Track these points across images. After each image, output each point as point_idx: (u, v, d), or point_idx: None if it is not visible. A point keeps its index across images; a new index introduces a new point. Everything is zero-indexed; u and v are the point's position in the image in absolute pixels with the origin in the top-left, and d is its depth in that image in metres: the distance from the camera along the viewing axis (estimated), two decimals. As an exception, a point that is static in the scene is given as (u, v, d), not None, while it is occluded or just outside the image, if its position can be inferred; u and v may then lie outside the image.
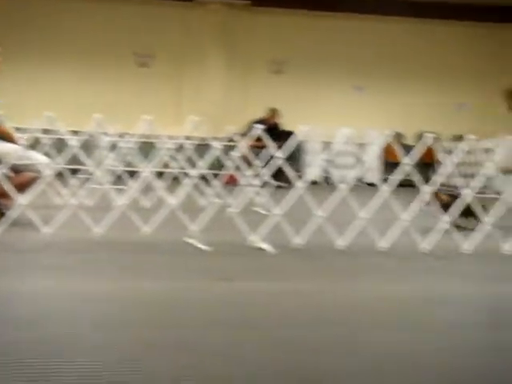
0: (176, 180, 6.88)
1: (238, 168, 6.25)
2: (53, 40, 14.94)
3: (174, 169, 6.72)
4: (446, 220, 4.84)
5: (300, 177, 5.13)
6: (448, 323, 2.75)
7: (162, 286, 3.31)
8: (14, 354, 2.08)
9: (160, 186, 5.79)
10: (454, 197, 5.44)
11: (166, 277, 3.61)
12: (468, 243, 4.78)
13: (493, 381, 2.04)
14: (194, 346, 2.26)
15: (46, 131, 5.64)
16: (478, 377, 2.07)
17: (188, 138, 6.44)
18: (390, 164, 14.77)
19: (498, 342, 2.50)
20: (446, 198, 5.88)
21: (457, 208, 5.05)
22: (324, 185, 13.98)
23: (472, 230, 5.23)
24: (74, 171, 6.35)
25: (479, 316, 3.01)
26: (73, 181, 6.80)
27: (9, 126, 5.82)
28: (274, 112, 13.19)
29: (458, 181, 5.20)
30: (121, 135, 5.80)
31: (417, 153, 4.88)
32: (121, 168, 6.32)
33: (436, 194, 5.79)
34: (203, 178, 6.72)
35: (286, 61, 15.80)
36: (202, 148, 7.22)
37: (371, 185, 12.50)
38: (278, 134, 12.53)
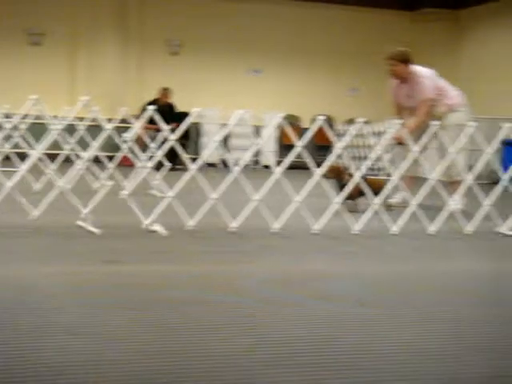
0: (68, 162, 6.71)
1: (131, 150, 6.16)
2: None
3: (65, 150, 6.56)
4: (337, 201, 4.94)
5: (195, 159, 5.11)
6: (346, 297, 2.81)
7: (48, 270, 3.22)
8: None
9: (51, 168, 5.64)
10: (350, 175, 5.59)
11: (53, 260, 3.52)
12: (358, 224, 4.91)
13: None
14: (79, 330, 2.22)
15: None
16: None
17: (81, 119, 6.30)
18: (285, 146, 14.98)
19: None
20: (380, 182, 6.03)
21: (348, 189, 5.17)
22: (221, 167, 14.02)
23: (363, 211, 5.37)
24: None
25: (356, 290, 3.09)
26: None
27: None
28: (165, 91, 13.05)
29: (349, 163, 5.32)
30: (8, 116, 5.59)
31: (309, 135, 4.95)
32: (9, 150, 6.11)
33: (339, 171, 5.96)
34: (96, 160, 6.59)
35: (182, 42, 15.66)
36: (97, 129, 7.09)
37: (267, 167, 12.62)
38: (174, 116, 12.46)
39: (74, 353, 2.00)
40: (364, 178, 5.42)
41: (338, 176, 6.02)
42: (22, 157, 6.02)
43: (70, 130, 6.54)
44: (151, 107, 4.62)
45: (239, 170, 4.75)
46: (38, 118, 6.13)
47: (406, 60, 6.77)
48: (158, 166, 6.36)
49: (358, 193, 5.68)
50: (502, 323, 2.60)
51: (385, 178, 6.42)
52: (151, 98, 12.84)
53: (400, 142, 6.29)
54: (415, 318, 2.58)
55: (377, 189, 5.43)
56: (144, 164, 5.22)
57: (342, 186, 5.60)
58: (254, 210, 4.77)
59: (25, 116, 4.97)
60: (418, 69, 6.84)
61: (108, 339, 2.15)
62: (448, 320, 2.59)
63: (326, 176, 5.42)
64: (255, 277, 3.30)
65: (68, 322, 2.32)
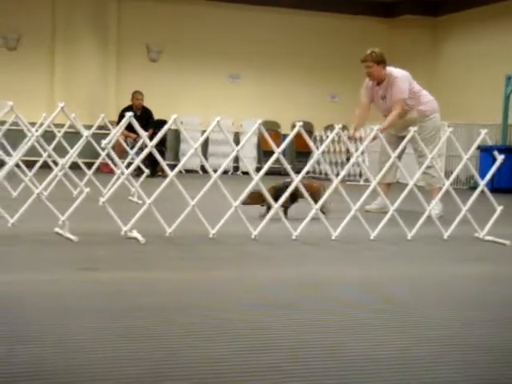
0: (46, 169, 6.66)
1: (110, 156, 6.13)
2: None
3: (42, 157, 6.52)
4: (315, 207, 4.95)
5: (174, 166, 5.10)
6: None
7: (22, 278, 3.20)
8: None
9: (28, 175, 5.60)
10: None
11: (28, 268, 3.49)
12: (336, 230, 4.92)
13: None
14: (50, 338, 2.20)
15: None
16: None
17: (59, 125, 6.26)
18: (264, 152, 15.01)
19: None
20: (317, 186, 6.00)
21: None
22: (200, 173, 14.01)
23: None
24: None
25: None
26: None
27: None
28: (137, 95, 12.77)
29: (327, 168, 5.33)
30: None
31: (287, 141, 4.96)
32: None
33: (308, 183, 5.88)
34: (75, 166, 6.56)
35: (161, 49, 15.62)
36: (75, 136, 7.06)
37: (247, 173, 12.63)
38: (149, 121, 12.38)
39: (45, 361, 1.99)
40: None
41: (258, 202, 5.69)
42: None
43: (49, 136, 6.50)
44: (129, 113, 4.60)
45: (217, 176, 4.74)
46: (14, 124, 6.09)
47: (381, 61, 6.81)
48: (138, 173, 6.34)
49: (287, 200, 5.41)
50: (484, 324, 2.62)
51: (322, 181, 6.34)
52: (127, 103, 12.79)
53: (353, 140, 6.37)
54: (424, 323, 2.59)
55: (313, 193, 5.43)
56: (122, 170, 5.20)
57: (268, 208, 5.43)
58: (233, 216, 4.76)
59: (1, 122, 4.93)
60: (394, 70, 6.88)
61: (82, 347, 2.14)
62: (445, 324, 2.60)
63: (245, 203, 5.32)
64: (235, 283, 3.30)
65: (40, 331, 2.30)
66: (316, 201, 5.08)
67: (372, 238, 4.95)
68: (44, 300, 2.78)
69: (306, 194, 4.92)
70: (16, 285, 3.05)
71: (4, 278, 3.18)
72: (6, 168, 4.80)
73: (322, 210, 5.35)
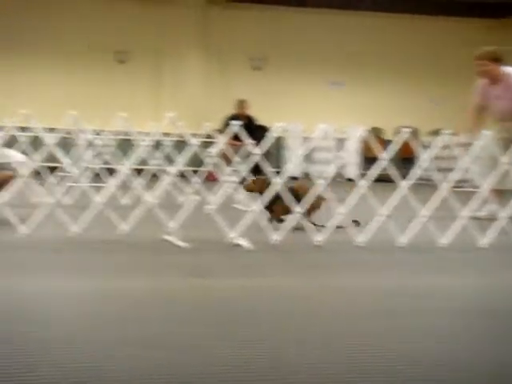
0: (155, 177, 6.85)
1: (216, 165, 6.24)
2: (28, 38, 14.83)
3: (152, 166, 6.70)
4: (424, 214, 4.86)
5: (278, 173, 5.14)
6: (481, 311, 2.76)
7: (137, 284, 3.30)
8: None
9: (138, 183, 5.77)
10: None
11: (142, 274, 3.60)
12: (445, 237, 4.81)
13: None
14: (160, 344, 2.26)
15: (22, 129, 5.60)
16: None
17: (166, 134, 6.42)
18: (368, 159, 14.86)
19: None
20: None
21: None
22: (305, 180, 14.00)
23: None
24: (52, 169, 6.30)
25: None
26: (50, 179, 6.75)
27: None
28: (242, 103, 12.95)
29: (436, 175, 5.23)
30: (98, 132, 5.77)
31: (394, 148, 4.90)
32: (99, 166, 6.29)
33: None
34: (182, 175, 6.71)
35: (264, 57, 15.78)
36: (182, 145, 7.23)
37: (350, 180, 12.54)
38: (253, 129, 12.51)
39: (153, 365, 2.04)
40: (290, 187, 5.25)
41: (262, 189, 5.46)
42: (111, 172, 6.19)
43: (156, 145, 6.68)
44: (236, 122, 4.67)
45: (324, 183, 4.74)
46: (124, 134, 6.29)
47: (497, 59, 6.56)
48: (243, 180, 6.42)
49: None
50: None
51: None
52: (230, 112, 12.97)
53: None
54: None
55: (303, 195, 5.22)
56: (228, 178, 5.28)
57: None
58: (339, 223, 4.75)
59: (116, 133, 5.12)
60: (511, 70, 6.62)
61: (193, 353, 2.18)
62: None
63: (249, 190, 5.37)
64: (344, 291, 3.28)
65: (148, 335, 2.36)
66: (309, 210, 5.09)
67: (481, 245, 4.82)
68: (155, 306, 2.86)
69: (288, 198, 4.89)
70: (130, 290, 3.15)
71: (118, 284, 3.28)
72: (119, 175, 4.96)
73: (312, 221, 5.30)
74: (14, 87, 14.56)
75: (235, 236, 4.61)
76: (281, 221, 5.32)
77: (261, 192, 5.38)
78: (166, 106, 14.42)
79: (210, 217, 4.69)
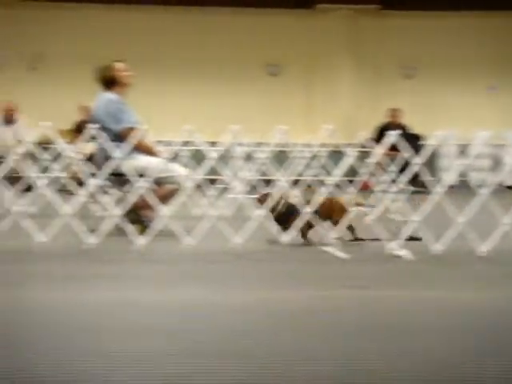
0: (309, 188, 6.89)
1: (372, 174, 6.20)
2: (187, 54, 15.42)
3: (308, 177, 6.76)
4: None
5: (437, 182, 5.03)
6: None
7: (295, 295, 3.33)
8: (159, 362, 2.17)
9: (295, 194, 5.83)
10: None
11: (300, 286, 3.63)
12: None
13: None
14: (319, 354, 2.27)
15: (185, 143, 5.83)
16: None
17: (322, 145, 6.45)
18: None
19: None
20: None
21: None
22: (461, 189, 13.58)
23: None
24: (212, 182, 6.52)
25: None
26: (211, 191, 6.95)
27: (150, 140, 6.07)
28: (395, 112, 12.80)
29: None
30: (256, 145, 5.91)
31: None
32: (256, 177, 6.44)
33: None
34: (337, 185, 6.71)
35: (416, 65, 15.49)
36: (335, 155, 7.25)
37: (510, 188, 12.04)
38: (407, 138, 12.28)
39: (311, 377, 2.05)
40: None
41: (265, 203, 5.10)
42: (267, 183, 6.31)
43: (311, 156, 6.73)
44: (393, 132, 4.63)
45: (486, 192, 4.59)
46: (281, 146, 6.38)
47: None
48: (399, 190, 6.33)
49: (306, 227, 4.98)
50: None
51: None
52: (382, 121, 12.82)
53: None
54: None
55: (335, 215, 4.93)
56: (385, 188, 5.23)
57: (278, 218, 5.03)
58: (504, 233, 4.57)
59: (274, 145, 5.23)
60: None
61: (348, 366, 2.18)
62: None
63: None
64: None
65: (303, 347, 2.38)
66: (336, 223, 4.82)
67: None
68: (312, 317, 2.88)
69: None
70: (287, 301, 3.19)
71: (275, 294, 3.34)
72: (277, 188, 5.04)
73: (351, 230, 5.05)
74: (176, 102, 15.18)
75: (394, 246, 4.56)
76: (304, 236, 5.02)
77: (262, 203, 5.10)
78: (317, 118, 14.51)
79: (370, 227, 4.67)
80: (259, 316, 2.87)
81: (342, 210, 4.95)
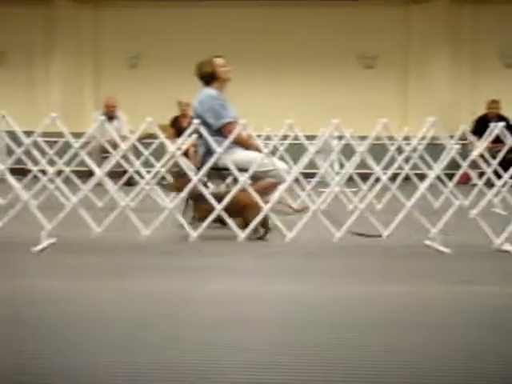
0: (407, 181, 6.79)
1: (474, 167, 6.04)
2: (283, 49, 15.46)
3: (404, 170, 6.66)
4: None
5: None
6: None
7: (396, 289, 3.30)
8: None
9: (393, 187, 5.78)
10: None
11: (401, 280, 3.59)
12: None
13: None
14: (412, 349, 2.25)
15: (284, 137, 5.86)
16: None
17: (422, 138, 6.35)
18: None
19: None
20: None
21: None
22: None
23: None
24: (310, 175, 6.50)
25: None
26: (309, 185, 6.89)
27: (249, 134, 6.13)
28: (494, 104, 12.44)
29: None
30: (355, 138, 5.87)
31: None
32: (353, 171, 6.40)
33: None
34: (437, 178, 6.59)
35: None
36: (431, 148, 7.16)
37: None
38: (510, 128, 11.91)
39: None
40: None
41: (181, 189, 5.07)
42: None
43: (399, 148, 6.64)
44: (498, 124, 4.52)
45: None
46: (379, 139, 6.32)
47: None
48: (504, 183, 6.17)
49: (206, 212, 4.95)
50: None
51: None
52: (481, 113, 12.51)
53: None
54: None
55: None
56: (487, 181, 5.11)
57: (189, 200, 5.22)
58: None
59: (374, 138, 5.18)
60: None
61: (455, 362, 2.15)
62: None
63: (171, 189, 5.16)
64: None
65: (394, 342, 2.36)
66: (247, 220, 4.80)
67: None
68: (412, 312, 2.85)
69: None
70: (388, 295, 3.17)
71: (369, 289, 3.32)
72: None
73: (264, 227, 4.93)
74: (274, 97, 15.26)
75: (500, 241, 4.45)
76: (202, 221, 4.96)
77: (180, 191, 5.08)
78: (414, 110, 14.30)
79: (471, 221, 4.58)
80: (371, 309, 2.87)
81: (254, 208, 4.90)
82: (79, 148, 4.82)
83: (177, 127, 10.85)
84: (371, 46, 15.30)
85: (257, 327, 2.54)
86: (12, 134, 5.39)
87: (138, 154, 6.72)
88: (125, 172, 7.34)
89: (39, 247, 4.30)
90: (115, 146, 5.48)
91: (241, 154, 5.47)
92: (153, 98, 14.33)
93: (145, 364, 2.10)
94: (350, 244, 4.69)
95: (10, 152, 5.95)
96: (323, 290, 3.28)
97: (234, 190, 4.89)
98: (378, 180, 5.43)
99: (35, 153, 5.13)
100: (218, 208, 4.82)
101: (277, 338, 2.39)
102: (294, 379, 1.99)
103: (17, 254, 4.21)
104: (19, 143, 5.11)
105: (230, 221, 4.84)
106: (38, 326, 2.55)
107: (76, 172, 6.71)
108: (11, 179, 4.79)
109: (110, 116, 10.45)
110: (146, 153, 6.97)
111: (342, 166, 7.48)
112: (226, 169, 5.18)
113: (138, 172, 6.71)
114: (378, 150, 6.98)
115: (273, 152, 5.98)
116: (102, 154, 9.28)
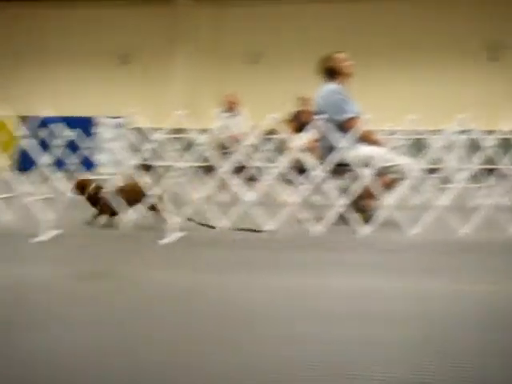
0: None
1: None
2: (405, 42, 15.25)
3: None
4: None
5: None
6: None
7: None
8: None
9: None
10: None
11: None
12: None
13: None
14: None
15: (407, 132, 5.78)
16: None
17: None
18: None
19: None
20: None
21: None
22: None
23: None
24: (434, 171, 6.39)
25: None
26: (434, 181, 6.77)
27: (372, 129, 6.07)
28: None
29: None
30: (481, 133, 5.69)
31: None
32: (482, 166, 6.21)
33: None
34: None
35: None
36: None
37: None
38: None
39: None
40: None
41: (83, 190, 5.27)
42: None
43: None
44: None
45: None
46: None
47: None
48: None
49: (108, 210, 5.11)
50: None
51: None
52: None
53: None
54: None
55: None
56: None
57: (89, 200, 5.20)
58: None
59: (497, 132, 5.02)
60: None
61: None
62: None
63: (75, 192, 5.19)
64: None
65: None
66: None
67: None
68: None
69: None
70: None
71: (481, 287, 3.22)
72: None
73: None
74: (394, 93, 15.13)
75: None
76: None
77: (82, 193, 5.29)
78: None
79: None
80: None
81: (140, 194, 5.00)
82: (203, 144, 4.92)
83: (297, 122, 10.88)
84: (495, 37, 14.82)
85: (392, 323, 2.52)
86: (138, 131, 5.57)
87: (256, 150, 6.79)
88: (243, 167, 7.43)
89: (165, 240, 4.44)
90: (236, 141, 5.57)
91: (365, 150, 5.42)
92: (274, 94, 14.47)
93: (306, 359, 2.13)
94: (478, 241, 4.56)
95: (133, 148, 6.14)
96: (453, 287, 3.20)
97: (357, 186, 4.86)
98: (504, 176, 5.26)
99: (164, 149, 5.29)
100: (340, 203, 4.80)
101: (417, 334, 2.36)
102: (436, 380, 1.95)
103: (145, 244, 4.37)
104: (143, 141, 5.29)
105: (352, 216, 4.81)
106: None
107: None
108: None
109: (232, 112, 10.60)
110: (266, 148, 7.04)
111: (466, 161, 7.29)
112: (346, 164, 5.15)
113: (258, 167, 6.78)
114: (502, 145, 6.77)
115: (395, 147, 5.90)
116: (222, 150, 9.43)
